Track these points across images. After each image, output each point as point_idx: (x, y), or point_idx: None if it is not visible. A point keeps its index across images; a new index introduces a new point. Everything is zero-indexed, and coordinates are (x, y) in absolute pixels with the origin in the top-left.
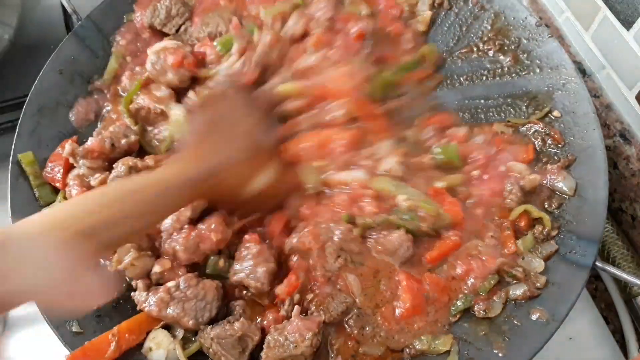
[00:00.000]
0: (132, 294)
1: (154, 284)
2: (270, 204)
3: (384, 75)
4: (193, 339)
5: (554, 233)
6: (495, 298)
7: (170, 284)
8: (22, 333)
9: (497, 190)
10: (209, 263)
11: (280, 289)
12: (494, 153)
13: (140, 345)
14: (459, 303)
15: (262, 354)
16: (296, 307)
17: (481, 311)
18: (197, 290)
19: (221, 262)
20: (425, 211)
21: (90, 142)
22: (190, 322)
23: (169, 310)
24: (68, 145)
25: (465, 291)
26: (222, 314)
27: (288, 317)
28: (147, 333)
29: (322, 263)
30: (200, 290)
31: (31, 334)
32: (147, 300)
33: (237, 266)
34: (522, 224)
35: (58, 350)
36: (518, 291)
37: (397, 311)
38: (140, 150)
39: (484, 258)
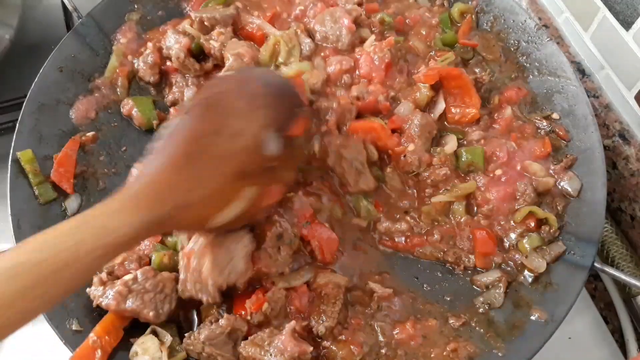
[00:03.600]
0: (87, 289)
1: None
2: (235, 225)
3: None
4: (178, 347)
5: (556, 234)
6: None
7: (128, 277)
8: (23, 332)
9: (510, 192)
10: (153, 260)
11: (248, 305)
12: (514, 150)
13: (124, 345)
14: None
15: (243, 342)
16: (292, 322)
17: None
18: (155, 282)
19: (166, 259)
20: None
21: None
22: (151, 314)
23: (128, 303)
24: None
25: None
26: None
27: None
28: (124, 330)
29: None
30: (159, 282)
31: (31, 334)
32: (104, 295)
33: (182, 275)
34: (533, 224)
35: (58, 351)
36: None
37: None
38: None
39: None
